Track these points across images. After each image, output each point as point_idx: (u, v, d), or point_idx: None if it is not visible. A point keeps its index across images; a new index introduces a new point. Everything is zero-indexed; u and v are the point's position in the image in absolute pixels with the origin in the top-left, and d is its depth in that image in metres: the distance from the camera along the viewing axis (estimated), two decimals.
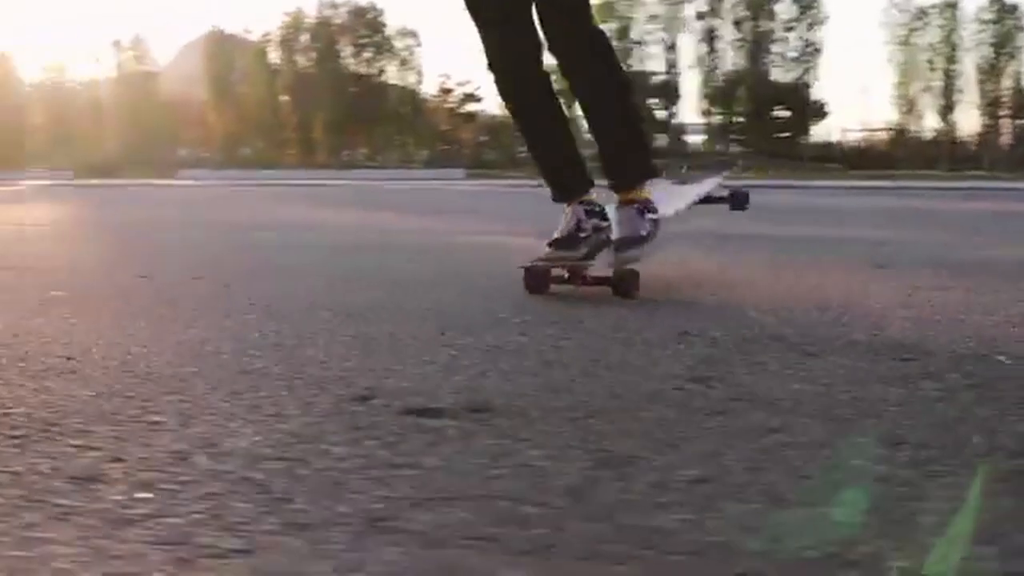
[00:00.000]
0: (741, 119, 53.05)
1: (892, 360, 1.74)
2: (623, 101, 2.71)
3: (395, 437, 1.25)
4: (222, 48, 61.62)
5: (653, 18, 54.07)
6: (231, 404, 1.42)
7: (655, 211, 2.67)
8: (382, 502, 1.01)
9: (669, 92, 54.79)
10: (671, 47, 54.66)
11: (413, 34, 60.54)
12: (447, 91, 59.34)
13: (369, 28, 58.07)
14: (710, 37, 53.66)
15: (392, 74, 59.35)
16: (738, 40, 53.21)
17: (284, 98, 60.03)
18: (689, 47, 62.02)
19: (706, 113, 54.44)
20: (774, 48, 52.91)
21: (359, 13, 58.44)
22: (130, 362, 1.72)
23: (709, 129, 55.05)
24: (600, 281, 2.55)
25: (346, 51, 59.19)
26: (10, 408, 1.39)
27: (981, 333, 2.01)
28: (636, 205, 2.65)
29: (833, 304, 2.44)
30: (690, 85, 66.44)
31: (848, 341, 1.91)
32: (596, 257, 2.56)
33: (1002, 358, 1.75)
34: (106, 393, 1.49)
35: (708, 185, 3.14)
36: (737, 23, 53.02)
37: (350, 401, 1.44)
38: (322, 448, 1.21)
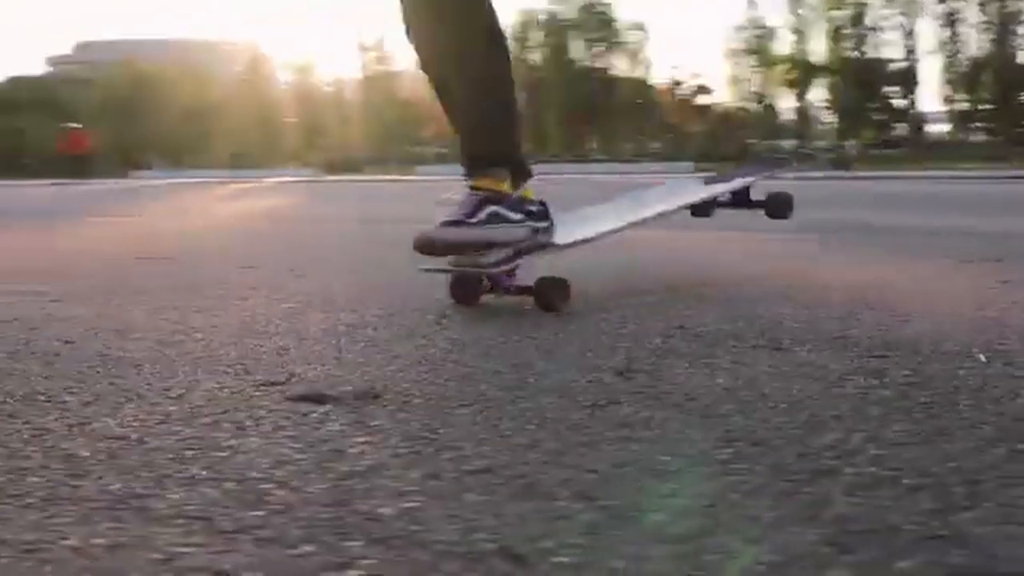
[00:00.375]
0: (987, 106, 50.19)
1: (860, 357, 1.66)
2: (491, 65, 2.32)
3: (252, 421, 1.30)
4: None
5: (890, 2, 51.89)
6: (149, 387, 1.51)
7: (515, 209, 2.24)
8: (159, 481, 1.06)
9: (907, 79, 52.48)
10: (909, 32, 52.31)
11: (642, 27, 60.42)
12: (678, 83, 58.87)
13: (599, 23, 58.28)
14: (952, 20, 51.03)
15: (622, 67, 59.38)
16: (983, 22, 50.38)
17: (519, 94, 61.03)
18: (929, 31, 59.17)
19: (948, 100, 51.83)
20: (1022, 30, 49.78)
21: (589, 8, 58.74)
22: (115, 347, 1.83)
23: (952, 117, 52.40)
24: (523, 291, 2.23)
25: (577, 46, 59.60)
26: None
27: (999, 331, 1.88)
28: (480, 193, 2.23)
29: (876, 300, 2.32)
30: (930, 71, 63.39)
31: (839, 337, 1.83)
32: (514, 262, 2.23)
33: (982, 356, 1.64)
34: (56, 375, 1.60)
35: (733, 185, 2.78)
36: (982, 4, 50.21)
37: (257, 387, 1.50)
38: (175, 429, 1.26)
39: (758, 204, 2.79)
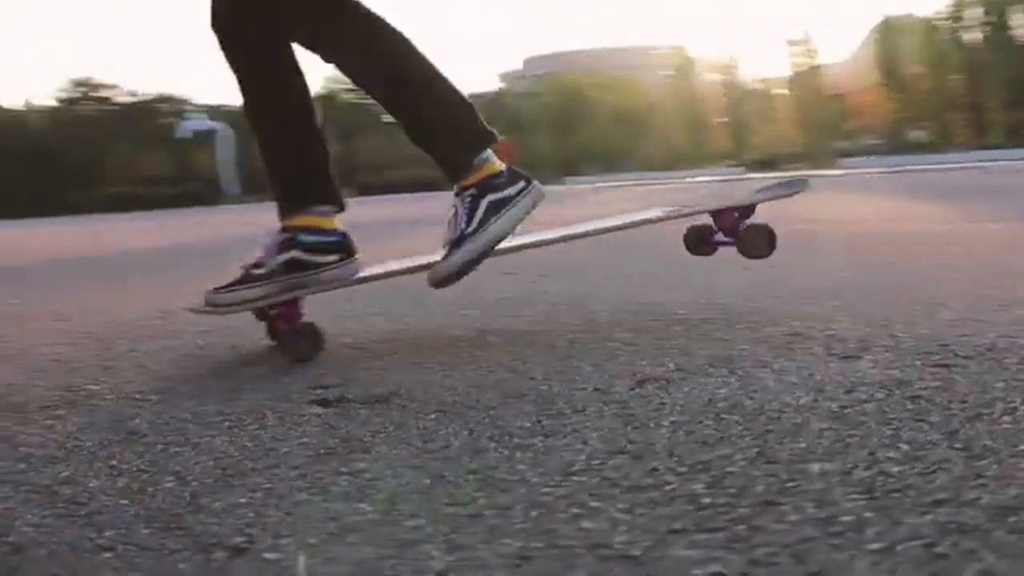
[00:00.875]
0: None
1: (916, 367, 1.56)
2: (403, 71, 2.05)
3: (252, 421, 1.47)
4: (893, 34, 60.56)
5: None
6: (219, 387, 1.72)
7: (508, 185, 2.03)
8: (93, 469, 1.25)
9: None
10: None
11: None
12: None
13: None
14: None
15: None
16: None
17: (955, 78, 57.47)
18: None
19: None
20: None
21: None
22: (241, 348, 2.08)
23: None
24: (288, 337, 1.98)
25: (1020, 20, 55.12)
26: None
27: None
28: (469, 191, 2.01)
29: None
30: None
31: (940, 345, 1.71)
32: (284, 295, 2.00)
33: None
34: (144, 376, 1.86)
35: (685, 211, 2.38)
36: None
37: (304, 390, 1.66)
38: (183, 427, 1.46)
39: (734, 241, 2.28)
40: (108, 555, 0.95)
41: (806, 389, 1.44)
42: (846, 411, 1.31)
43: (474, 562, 0.88)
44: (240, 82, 2.05)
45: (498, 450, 1.22)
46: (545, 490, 1.06)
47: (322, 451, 1.28)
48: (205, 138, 52.60)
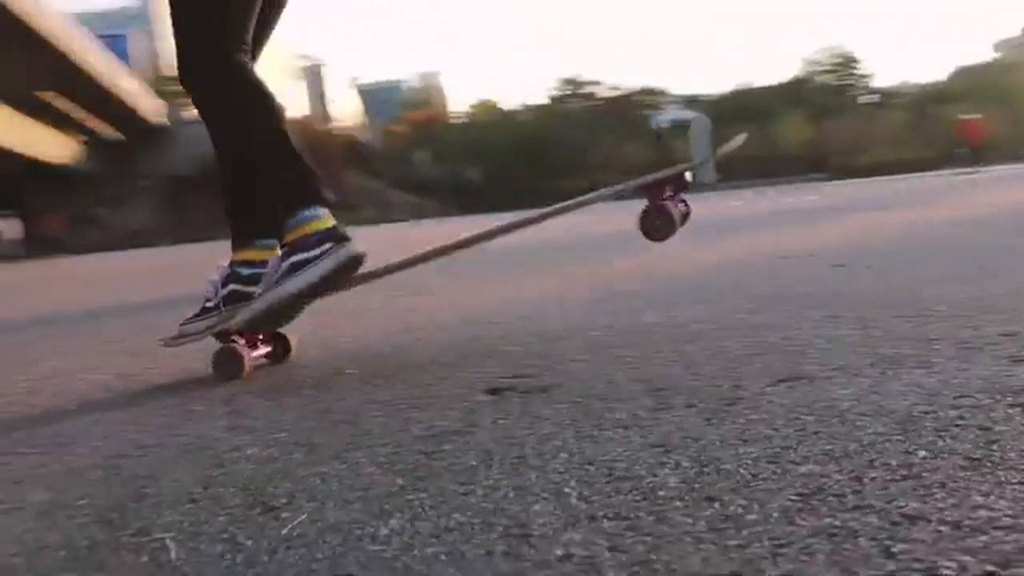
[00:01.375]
0: None
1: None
2: (232, 128, 2.21)
3: (424, 404, 1.68)
4: None
5: None
6: (420, 372, 1.96)
7: (316, 245, 2.08)
8: (266, 441, 1.53)
9: None
10: None
11: None
12: None
13: None
14: None
15: None
16: None
17: None
18: None
19: None
20: None
21: None
22: (510, 337, 2.30)
23: None
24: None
25: None
26: None
27: None
28: (283, 250, 2.14)
29: None
30: None
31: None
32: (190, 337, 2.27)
33: None
34: (384, 354, 2.13)
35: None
36: None
37: (495, 378, 1.85)
38: (349, 404, 1.72)
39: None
40: (190, 506, 1.20)
41: (920, 394, 1.41)
42: (924, 415, 1.29)
43: (412, 531, 1.03)
44: (206, 124, 2.27)
45: (567, 439, 1.34)
46: (550, 476, 1.17)
47: (435, 433, 1.45)
48: (682, 127, 54.07)
